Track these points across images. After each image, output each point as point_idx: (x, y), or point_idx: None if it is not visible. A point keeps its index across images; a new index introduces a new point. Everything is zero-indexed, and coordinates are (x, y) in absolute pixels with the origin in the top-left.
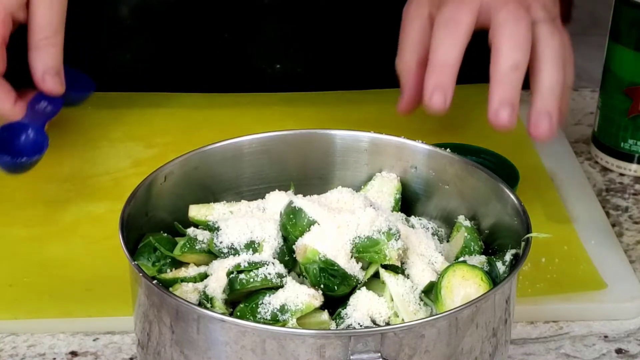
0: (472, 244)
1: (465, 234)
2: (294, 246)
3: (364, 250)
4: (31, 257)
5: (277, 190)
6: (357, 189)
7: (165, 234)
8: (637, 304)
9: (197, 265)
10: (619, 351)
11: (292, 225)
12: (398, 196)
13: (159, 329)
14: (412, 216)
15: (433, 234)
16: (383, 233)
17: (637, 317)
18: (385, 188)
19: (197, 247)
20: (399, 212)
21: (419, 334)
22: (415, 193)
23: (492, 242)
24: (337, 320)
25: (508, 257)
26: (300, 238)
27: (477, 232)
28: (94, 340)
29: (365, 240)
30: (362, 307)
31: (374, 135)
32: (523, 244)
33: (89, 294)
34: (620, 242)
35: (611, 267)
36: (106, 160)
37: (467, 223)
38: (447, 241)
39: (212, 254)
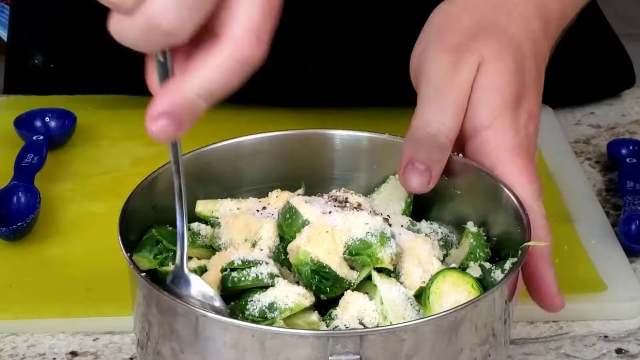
0: (478, 250)
1: (471, 240)
2: (288, 247)
3: (356, 253)
4: (31, 257)
5: (279, 189)
6: (357, 189)
7: (170, 227)
8: (637, 304)
9: (199, 259)
10: (619, 351)
11: (288, 225)
12: (409, 200)
13: (158, 329)
14: (423, 220)
15: (442, 239)
16: (376, 236)
17: (637, 317)
18: (396, 191)
19: (198, 242)
20: (405, 216)
21: (400, 337)
22: (428, 197)
23: (500, 250)
24: (328, 320)
25: (508, 265)
26: (294, 239)
27: (485, 238)
28: (94, 340)
29: (358, 243)
30: (352, 309)
31: (374, 135)
32: (520, 252)
33: (89, 294)
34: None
35: (611, 267)
36: (106, 160)
37: (475, 229)
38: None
39: (214, 249)
